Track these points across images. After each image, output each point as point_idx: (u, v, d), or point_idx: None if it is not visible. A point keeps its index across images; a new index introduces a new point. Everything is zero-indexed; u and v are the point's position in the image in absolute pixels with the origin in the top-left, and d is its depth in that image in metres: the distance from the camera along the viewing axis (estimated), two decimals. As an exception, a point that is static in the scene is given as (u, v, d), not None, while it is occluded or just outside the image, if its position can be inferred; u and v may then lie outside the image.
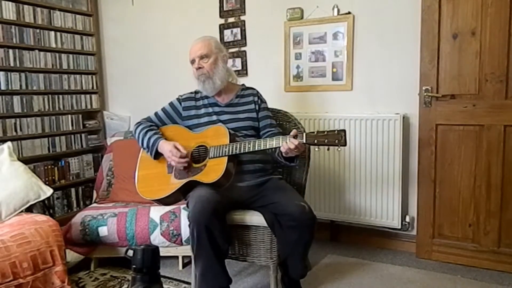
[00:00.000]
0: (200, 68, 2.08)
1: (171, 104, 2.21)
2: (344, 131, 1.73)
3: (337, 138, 1.72)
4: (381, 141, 2.61)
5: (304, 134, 1.77)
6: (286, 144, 1.78)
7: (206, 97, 2.16)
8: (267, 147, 1.85)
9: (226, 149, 1.90)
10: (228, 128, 1.98)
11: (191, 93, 2.21)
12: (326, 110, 2.83)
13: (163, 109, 2.21)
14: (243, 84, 2.27)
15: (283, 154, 1.85)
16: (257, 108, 2.15)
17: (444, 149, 2.47)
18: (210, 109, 2.12)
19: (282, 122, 2.33)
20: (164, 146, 2.01)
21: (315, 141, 1.75)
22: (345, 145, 1.72)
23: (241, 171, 1.98)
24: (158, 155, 2.06)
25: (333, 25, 2.75)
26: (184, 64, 3.31)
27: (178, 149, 1.97)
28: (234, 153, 1.89)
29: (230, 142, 1.92)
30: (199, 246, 1.82)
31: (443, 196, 2.49)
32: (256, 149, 1.86)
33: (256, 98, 2.17)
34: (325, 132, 1.75)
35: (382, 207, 2.66)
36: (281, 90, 2.96)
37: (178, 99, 2.21)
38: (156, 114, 2.22)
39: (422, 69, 2.46)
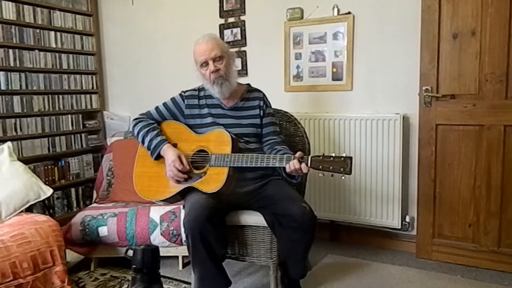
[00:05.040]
0: (217, 70, 1.95)
1: (173, 100, 2.11)
2: (351, 158, 1.69)
3: (343, 166, 1.68)
4: (381, 141, 2.61)
5: (309, 158, 1.73)
6: (288, 166, 1.76)
7: (210, 97, 2.05)
8: (270, 165, 1.82)
9: (227, 160, 1.85)
10: (231, 135, 1.91)
11: (195, 90, 2.11)
12: (326, 110, 2.83)
13: (165, 105, 2.11)
14: (248, 84, 2.16)
15: (286, 171, 1.80)
16: (261, 114, 2.07)
17: (444, 149, 2.47)
18: (213, 110, 2.04)
19: (282, 122, 2.33)
20: (168, 154, 1.93)
21: (320, 166, 1.71)
22: (349, 173, 1.69)
23: (242, 178, 1.94)
24: (158, 157, 1.99)
25: (333, 25, 2.75)
26: (184, 63, 3.34)
27: (181, 161, 1.90)
28: (235, 165, 1.84)
29: (232, 151, 1.87)
30: (195, 252, 1.81)
31: (443, 196, 2.49)
32: (259, 165, 1.82)
33: (261, 103, 2.08)
34: (331, 158, 1.70)
35: (382, 207, 2.66)
36: (281, 90, 2.96)
37: (181, 95, 2.10)
38: (157, 109, 2.11)
39: (422, 69, 2.46)
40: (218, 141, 1.93)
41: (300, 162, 1.74)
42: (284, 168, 1.80)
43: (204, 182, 1.89)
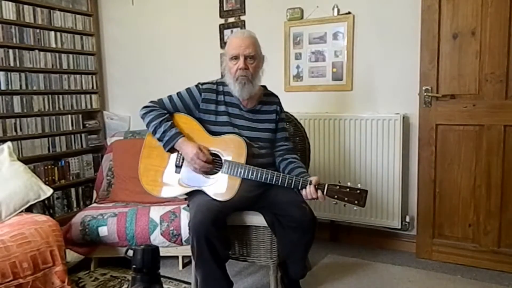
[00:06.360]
0: (246, 68, 1.88)
1: (189, 91, 1.99)
2: (366, 192, 1.75)
3: (358, 198, 1.75)
4: (381, 141, 2.61)
5: (326, 186, 1.77)
6: (305, 192, 1.79)
7: (230, 94, 1.97)
8: (285, 185, 1.81)
9: (241, 170, 1.82)
10: (247, 144, 1.87)
11: (212, 83, 2.00)
12: (326, 110, 2.83)
13: (179, 95, 1.99)
14: (264, 87, 2.09)
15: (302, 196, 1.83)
16: (277, 119, 2.04)
17: (444, 149, 2.47)
18: (230, 109, 1.96)
19: (282, 122, 2.33)
20: (188, 147, 1.86)
21: (336, 196, 1.77)
22: (363, 206, 1.75)
23: (250, 184, 1.90)
24: (171, 150, 1.92)
25: (333, 25, 2.75)
26: (184, 63, 3.35)
27: (204, 152, 1.85)
28: (249, 177, 1.82)
29: (247, 161, 1.85)
30: (199, 255, 1.80)
31: (443, 196, 2.49)
32: (273, 182, 1.81)
33: (278, 108, 2.05)
34: (348, 189, 1.76)
35: (382, 207, 2.66)
36: (281, 90, 2.96)
37: (197, 87, 1.98)
38: (170, 98, 1.99)
39: (422, 69, 2.46)
40: (232, 147, 1.88)
41: (317, 189, 1.77)
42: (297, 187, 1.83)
43: (214, 188, 1.87)
